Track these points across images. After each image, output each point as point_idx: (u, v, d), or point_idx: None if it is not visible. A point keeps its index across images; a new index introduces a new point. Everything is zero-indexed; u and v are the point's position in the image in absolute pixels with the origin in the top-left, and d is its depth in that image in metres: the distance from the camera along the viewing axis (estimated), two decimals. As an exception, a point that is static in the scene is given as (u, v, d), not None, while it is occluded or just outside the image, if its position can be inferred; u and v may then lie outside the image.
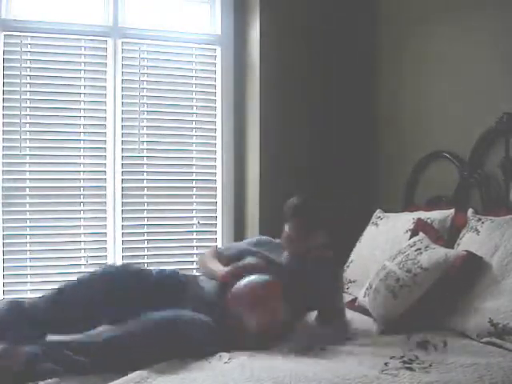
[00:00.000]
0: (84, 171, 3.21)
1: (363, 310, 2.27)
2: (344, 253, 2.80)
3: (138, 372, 1.53)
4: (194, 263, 3.22)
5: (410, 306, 2.02)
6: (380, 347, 1.76)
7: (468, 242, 2.18)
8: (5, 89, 3.05)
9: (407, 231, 2.51)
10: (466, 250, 2.09)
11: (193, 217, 3.40)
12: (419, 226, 2.45)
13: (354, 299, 2.41)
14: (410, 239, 2.38)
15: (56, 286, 1.98)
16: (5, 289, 3.03)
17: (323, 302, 2.14)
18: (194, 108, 3.42)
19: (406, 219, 2.59)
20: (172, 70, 3.37)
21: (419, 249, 2.17)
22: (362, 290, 2.56)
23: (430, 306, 2.03)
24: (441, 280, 2.03)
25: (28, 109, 3.10)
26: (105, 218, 3.23)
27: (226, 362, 1.64)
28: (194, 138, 3.43)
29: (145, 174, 3.33)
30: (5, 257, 3.04)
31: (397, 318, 2.02)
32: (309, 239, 2.21)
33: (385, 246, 2.58)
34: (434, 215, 2.51)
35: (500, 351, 1.72)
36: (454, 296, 2.02)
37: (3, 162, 3.05)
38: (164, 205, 3.36)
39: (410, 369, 1.55)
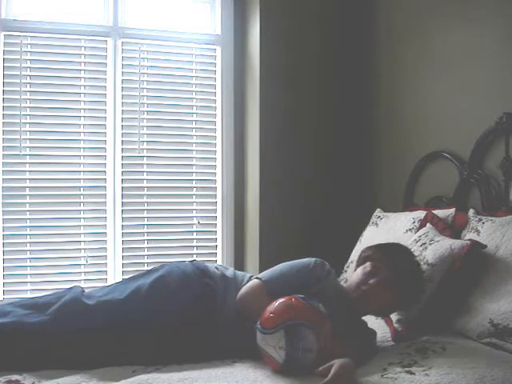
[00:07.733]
0: (84, 171, 3.21)
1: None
2: (344, 253, 2.80)
3: (138, 377, 1.52)
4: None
5: (425, 305, 1.99)
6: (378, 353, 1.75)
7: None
8: (5, 89, 3.05)
9: (407, 231, 2.50)
10: (470, 239, 2.08)
11: (193, 217, 3.40)
12: (428, 218, 2.43)
13: None
14: (417, 231, 2.36)
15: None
16: (5, 289, 3.03)
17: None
18: (194, 108, 3.42)
19: (406, 219, 2.58)
20: (172, 70, 3.37)
21: (424, 243, 2.16)
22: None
23: (443, 302, 2.00)
24: (448, 273, 1.99)
25: (28, 109, 3.10)
26: (105, 218, 3.23)
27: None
28: (194, 138, 3.43)
29: (145, 173, 3.33)
30: (5, 257, 3.05)
31: (415, 320, 1.98)
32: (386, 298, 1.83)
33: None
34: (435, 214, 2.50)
35: (500, 352, 1.72)
36: (464, 288, 1.99)
37: (3, 162, 3.06)
38: (164, 205, 3.36)
39: (410, 372, 1.54)
